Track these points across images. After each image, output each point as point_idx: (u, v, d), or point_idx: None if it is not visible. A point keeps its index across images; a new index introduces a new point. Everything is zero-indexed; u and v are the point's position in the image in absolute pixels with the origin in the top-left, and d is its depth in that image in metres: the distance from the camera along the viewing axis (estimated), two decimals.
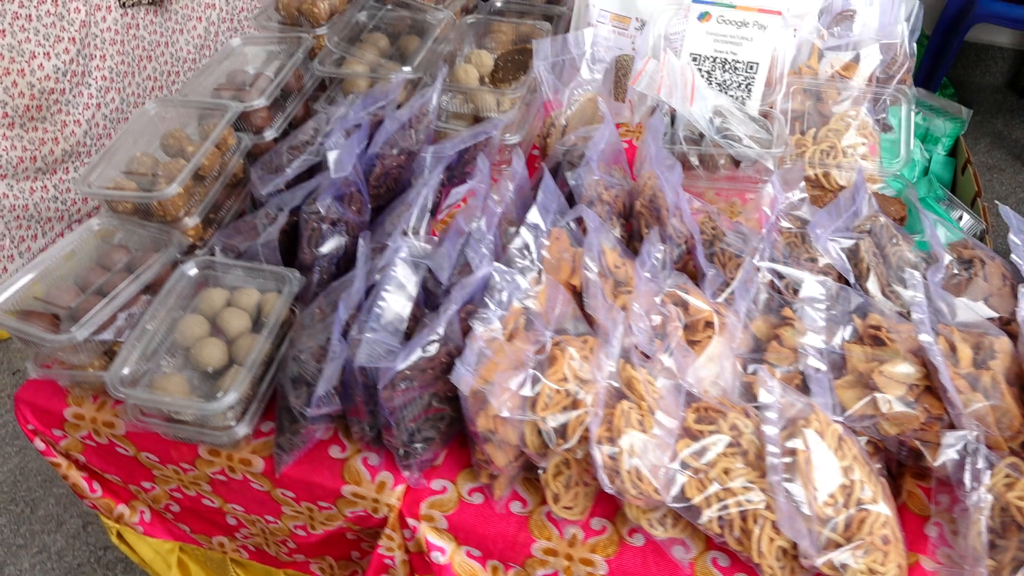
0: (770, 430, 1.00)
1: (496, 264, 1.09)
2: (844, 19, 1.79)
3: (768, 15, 1.56)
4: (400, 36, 1.64)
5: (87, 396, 1.24)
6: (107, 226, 1.30)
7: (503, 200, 1.20)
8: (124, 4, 2.85)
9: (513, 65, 1.57)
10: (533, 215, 1.17)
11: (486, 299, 1.08)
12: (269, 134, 1.47)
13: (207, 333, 1.18)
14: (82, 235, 1.29)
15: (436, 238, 1.22)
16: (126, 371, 1.10)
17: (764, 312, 1.25)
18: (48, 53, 2.55)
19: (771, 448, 0.99)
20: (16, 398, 1.26)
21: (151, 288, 1.22)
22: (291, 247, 1.26)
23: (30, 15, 2.47)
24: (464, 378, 0.98)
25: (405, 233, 1.18)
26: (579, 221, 1.25)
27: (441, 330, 1.03)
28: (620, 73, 1.71)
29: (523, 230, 1.14)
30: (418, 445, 1.09)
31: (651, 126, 1.38)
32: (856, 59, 1.68)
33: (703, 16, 1.58)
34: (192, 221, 1.31)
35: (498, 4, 1.77)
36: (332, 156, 1.18)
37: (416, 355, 1.01)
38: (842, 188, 1.56)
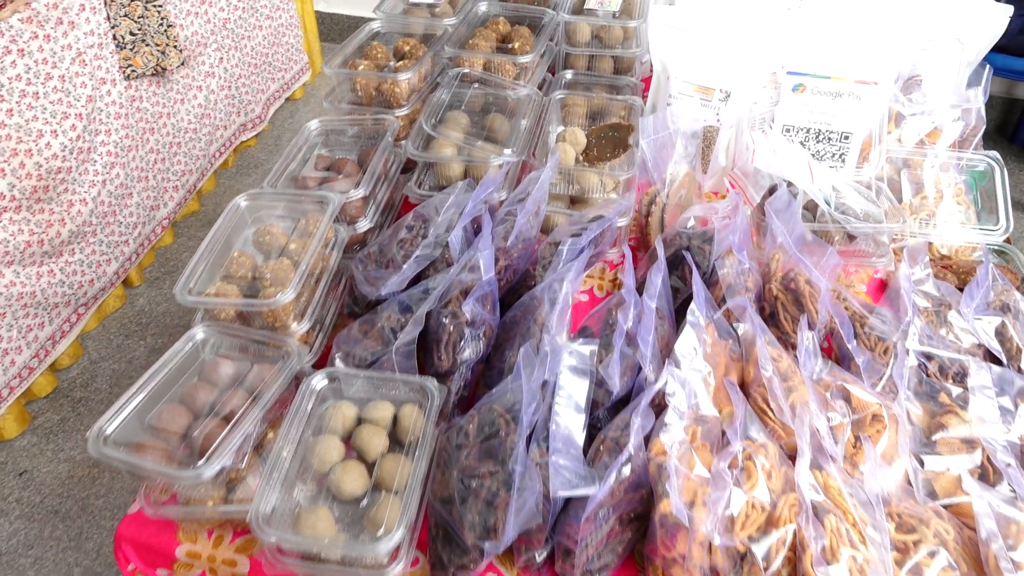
0: (996, 545, 0.93)
1: (672, 368, 1.01)
2: (914, 84, 1.78)
3: (864, 86, 1.54)
4: (481, 113, 1.57)
5: (202, 531, 1.11)
6: (209, 335, 1.19)
7: (654, 295, 1.12)
8: (128, 76, 2.73)
9: (608, 142, 1.51)
10: (695, 311, 1.09)
11: (667, 406, 1.00)
12: (363, 224, 1.38)
13: (343, 455, 1.07)
14: (183, 348, 1.17)
15: (579, 337, 1.13)
16: (269, 508, 0.98)
17: (918, 398, 1.20)
18: (55, 131, 2.41)
19: (1005, 564, 0.92)
20: (117, 536, 1.12)
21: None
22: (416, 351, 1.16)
23: (37, 92, 2.34)
24: (675, 504, 0.89)
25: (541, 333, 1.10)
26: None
27: (632, 448, 0.94)
28: (705, 145, 1.67)
29: (688, 329, 1.07)
30: (597, 572, 0.99)
31: (775, 205, 1.33)
32: (935, 125, 1.67)
33: (797, 88, 1.55)
34: (302, 327, 1.20)
35: (568, 76, 1.72)
36: (482, 258, 1.09)
37: (612, 479, 0.92)
38: (944, 257, 1.53)
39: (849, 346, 1.21)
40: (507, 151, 1.39)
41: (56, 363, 2.64)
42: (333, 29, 4.42)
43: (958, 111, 1.68)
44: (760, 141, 1.41)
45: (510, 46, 1.63)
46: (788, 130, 1.55)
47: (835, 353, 1.28)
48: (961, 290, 1.45)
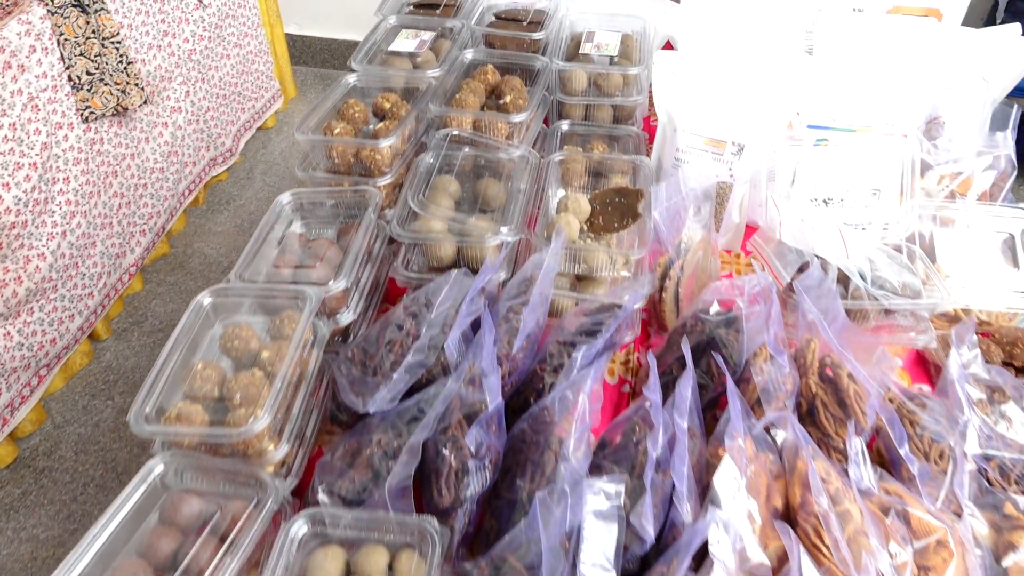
0: None
1: (714, 513, 0.87)
2: (936, 127, 1.65)
3: (892, 138, 1.40)
4: (472, 177, 1.41)
5: None
6: (170, 466, 1.03)
7: (684, 412, 0.98)
8: (87, 119, 2.55)
9: (614, 209, 1.36)
10: (734, 435, 0.95)
11: (709, 556, 0.85)
12: (345, 316, 1.22)
13: None
14: (141, 486, 1.01)
15: (601, 452, 0.99)
16: None
17: (981, 509, 1.07)
18: (7, 183, 2.23)
19: None
20: None
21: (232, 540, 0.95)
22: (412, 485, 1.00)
23: None
24: None
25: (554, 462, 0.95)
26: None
27: None
28: (718, 202, 1.53)
29: (728, 460, 0.92)
30: None
31: (806, 282, 1.19)
32: (965, 173, 1.54)
33: (820, 142, 1.42)
34: (279, 451, 1.04)
35: (564, 128, 1.57)
36: (488, 385, 0.94)
37: None
38: (983, 323, 1.40)
39: (901, 451, 1.07)
40: (504, 229, 1.24)
41: (17, 431, 2.45)
42: (305, 52, 4.24)
43: (988, 158, 1.55)
44: (786, 211, 1.27)
45: (502, 101, 1.48)
46: (814, 199, 1.41)
47: (883, 454, 1.14)
48: (1007, 364, 1.33)
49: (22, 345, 2.36)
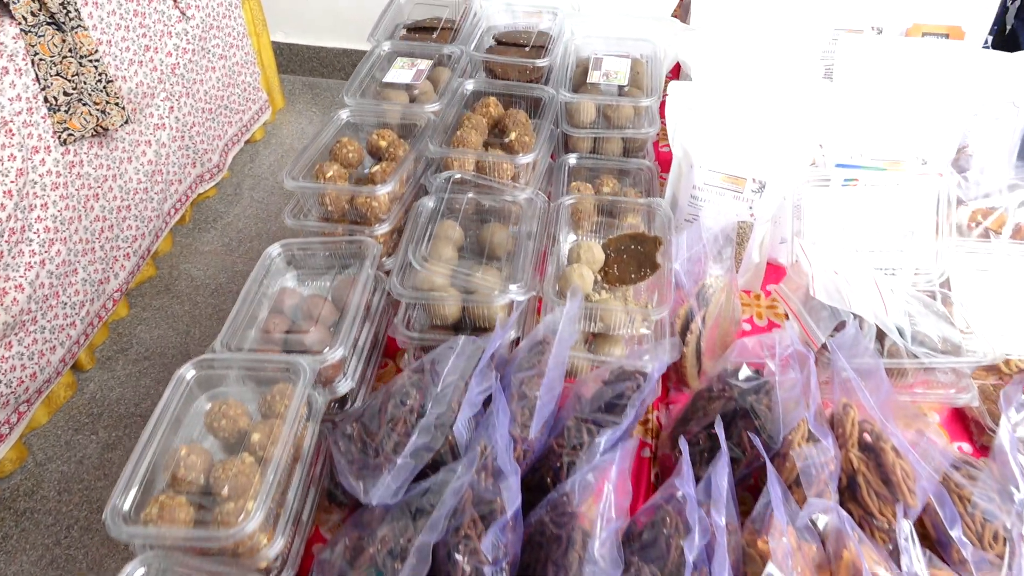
0: None
1: None
2: (963, 156, 1.57)
3: (925, 177, 1.31)
4: (476, 221, 1.32)
5: None
6: (152, 569, 0.93)
7: (722, 508, 0.88)
8: (65, 141, 2.43)
9: (631, 257, 1.27)
10: (776, 532, 0.86)
11: None
12: (343, 385, 1.12)
13: None
14: None
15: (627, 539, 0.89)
16: None
17: None
18: None
19: None
20: None
21: None
22: None
23: None
24: None
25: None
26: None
27: None
28: (738, 241, 1.44)
29: (773, 568, 0.83)
30: None
31: (842, 341, 1.10)
32: (999, 209, 1.46)
33: (849, 182, 1.32)
34: (274, 548, 0.94)
35: (572, 162, 1.48)
36: (506, 487, 0.84)
37: None
38: (1022, 371, 1.32)
39: (952, 534, 0.98)
40: (514, 287, 1.14)
41: None
42: (293, 61, 4.12)
43: (1022, 192, 1.46)
44: (817, 263, 1.18)
45: (507, 140, 1.38)
46: (845, 246, 1.32)
47: (928, 531, 1.05)
48: None
49: (0, 382, 2.25)
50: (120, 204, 2.73)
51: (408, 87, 1.50)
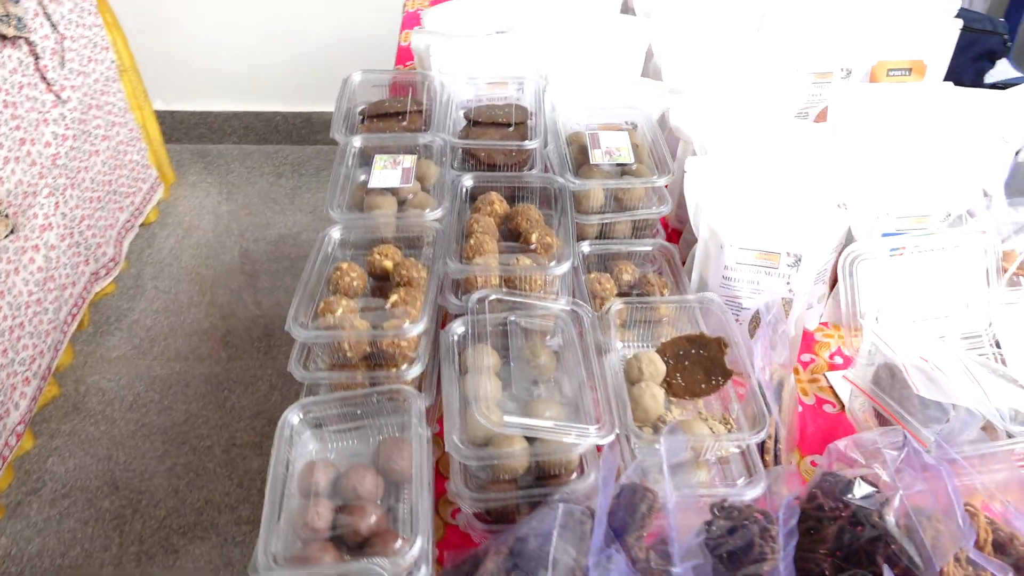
0: None
1: None
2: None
3: (970, 236, 1.26)
4: (511, 343, 1.16)
5: None
6: None
7: None
8: None
9: (693, 364, 1.15)
10: None
11: None
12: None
13: None
14: None
15: None
16: None
17: None
18: None
19: None
20: None
21: None
22: None
23: None
24: None
25: None
26: None
27: None
28: (777, 319, 1.34)
29: None
30: None
31: (948, 434, 1.02)
32: (1013, 250, 1.43)
33: (896, 251, 1.26)
34: None
35: (586, 250, 1.35)
36: None
37: None
38: None
39: None
40: (593, 429, 0.99)
41: None
42: (178, 129, 3.79)
43: None
44: (904, 352, 1.09)
45: (533, 247, 1.23)
46: (911, 321, 1.25)
47: None
48: None
49: None
50: (12, 324, 2.37)
51: (398, 191, 1.32)
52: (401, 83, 1.64)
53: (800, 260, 1.31)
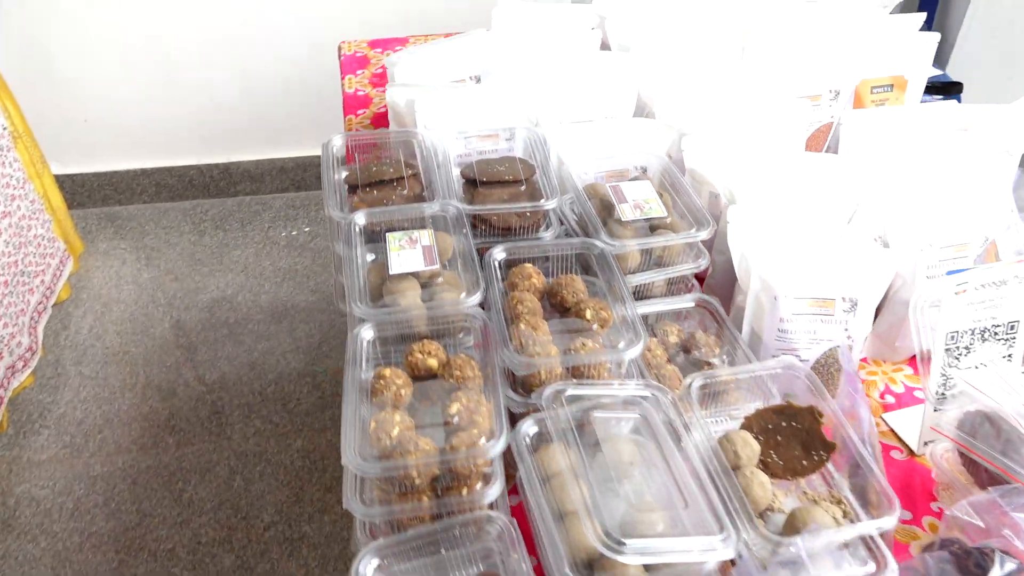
0: None
1: None
2: None
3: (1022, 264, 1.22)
4: (587, 443, 1.03)
5: None
6: None
7: None
8: None
9: (787, 439, 1.05)
10: None
11: None
12: None
13: None
14: None
15: None
16: None
17: None
18: None
19: None
20: None
21: None
22: None
23: None
24: None
25: None
26: None
27: None
28: (833, 370, 1.27)
29: None
30: None
31: None
32: None
33: (960, 288, 1.20)
34: None
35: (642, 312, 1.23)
36: None
37: None
38: None
39: None
40: (718, 540, 0.87)
41: None
42: (79, 193, 3.46)
43: None
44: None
45: (591, 328, 1.10)
46: (952, 337, 1.19)
47: None
48: None
49: None
50: None
51: (421, 276, 1.17)
52: (385, 143, 1.49)
53: (856, 304, 1.24)
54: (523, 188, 1.38)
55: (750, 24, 1.80)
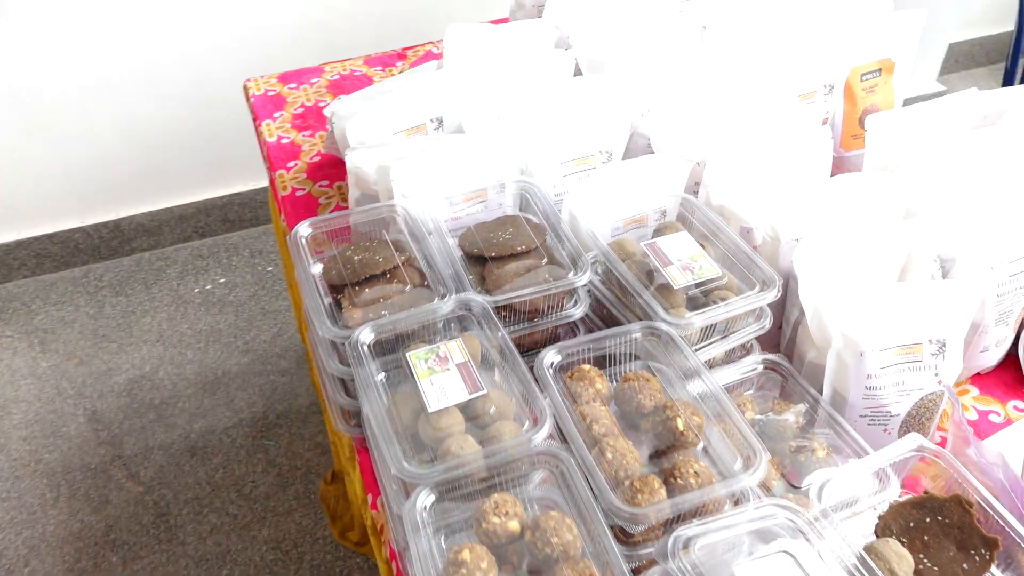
0: None
1: None
2: None
3: None
4: None
5: None
6: None
7: None
8: None
9: (934, 538, 0.90)
10: None
11: None
12: None
13: None
14: None
15: None
16: None
17: None
18: None
19: None
20: None
21: None
22: None
23: None
24: None
25: None
26: None
27: None
28: (924, 418, 1.13)
29: None
30: None
31: None
32: None
33: None
34: None
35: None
36: None
37: None
38: None
39: None
40: None
41: None
42: None
43: None
44: None
45: (683, 437, 0.91)
46: None
47: None
48: None
49: None
50: None
51: (467, 406, 0.95)
52: (362, 221, 1.24)
53: (944, 345, 1.10)
54: (543, 259, 1.16)
55: (725, 26, 1.64)
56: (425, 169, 1.27)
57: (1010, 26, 3.65)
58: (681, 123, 1.41)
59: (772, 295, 1.08)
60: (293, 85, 2.07)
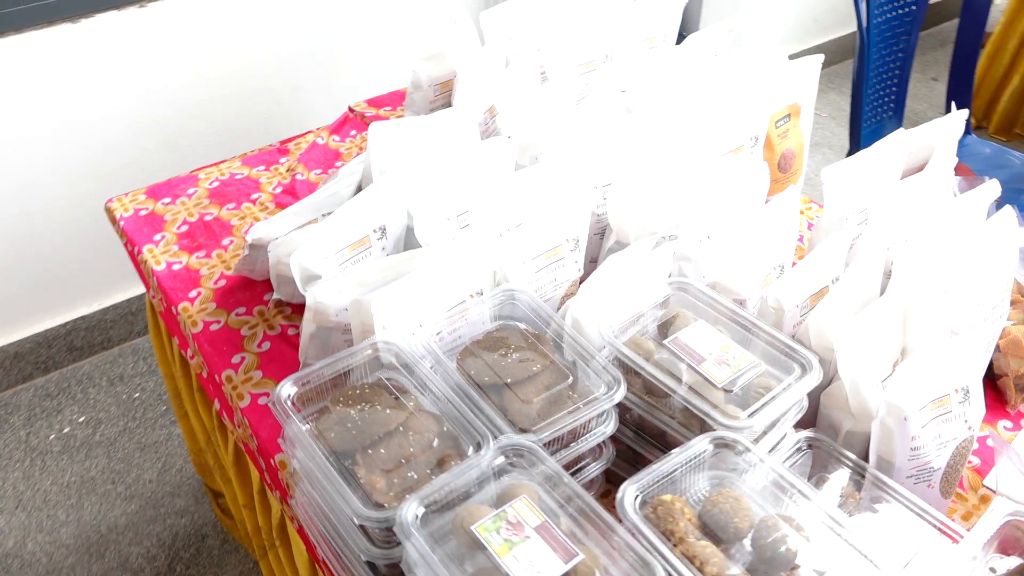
0: None
1: None
2: None
3: None
4: None
5: None
6: None
7: None
8: None
9: None
10: None
11: None
12: None
13: None
14: None
15: None
16: None
17: None
18: None
19: None
20: None
21: None
22: None
23: None
24: None
25: None
26: None
27: None
28: (959, 465, 1.14)
29: None
30: None
31: None
32: None
33: None
34: None
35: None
36: None
37: None
38: None
39: None
40: None
41: None
42: None
43: None
44: None
45: (793, 554, 0.83)
46: None
47: None
48: None
49: None
50: None
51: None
52: (351, 368, 1.08)
53: (968, 392, 1.11)
54: (568, 379, 1.06)
55: (643, 90, 1.62)
56: (403, 295, 1.13)
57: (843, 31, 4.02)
58: (640, 199, 1.36)
59: (815, 377, 1.04)
60: (167, 200, 1.82)
